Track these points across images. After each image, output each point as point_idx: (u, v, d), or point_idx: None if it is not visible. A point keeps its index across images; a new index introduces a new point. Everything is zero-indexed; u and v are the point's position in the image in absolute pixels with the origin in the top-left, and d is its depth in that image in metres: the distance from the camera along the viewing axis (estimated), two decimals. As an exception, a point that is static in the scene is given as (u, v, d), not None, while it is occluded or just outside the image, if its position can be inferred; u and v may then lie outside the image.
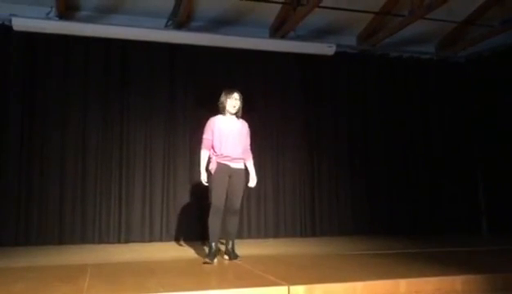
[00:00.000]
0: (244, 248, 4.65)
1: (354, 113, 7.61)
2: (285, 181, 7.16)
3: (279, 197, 7.10)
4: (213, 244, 4.44)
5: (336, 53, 7.26)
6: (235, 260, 4.49)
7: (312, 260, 4.65)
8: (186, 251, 5.42)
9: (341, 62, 7.56)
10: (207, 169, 4.60)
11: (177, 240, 6.43)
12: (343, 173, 7.42)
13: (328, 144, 7.44)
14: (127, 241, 6.37)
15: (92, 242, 6.25)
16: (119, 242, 6.34)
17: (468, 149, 7.97)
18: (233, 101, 4.56)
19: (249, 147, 4.75)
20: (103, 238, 6.31)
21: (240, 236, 6.67)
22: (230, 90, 4.61)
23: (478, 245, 6.01)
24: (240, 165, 4.59)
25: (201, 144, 4.63)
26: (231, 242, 4.62)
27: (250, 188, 4.86)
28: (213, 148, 4.56)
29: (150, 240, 6.46)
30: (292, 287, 3.21)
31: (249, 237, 6.79)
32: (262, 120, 7.08)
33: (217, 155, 4.53)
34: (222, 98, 4.60)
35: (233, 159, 4.52)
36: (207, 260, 4.35)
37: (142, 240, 6.43)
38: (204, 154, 4.59)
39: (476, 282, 3.57)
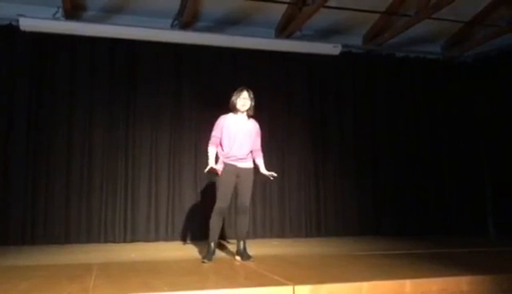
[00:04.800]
0: (249, 248, 4.64)
1: (360, 113, 7.59)
2: (290, 181, 7.15)
3: (284, 197, 7.09)
4: (212, 244, 4.44)
5: (342, 53, 7.27)
6: (247, 261, 4.42)
7: (318, 261, 4.65)
8: (191, 251, 5.43)
9: (347, 62, 7.55)
10: (214, 168, 4.52)
11: (182, 240, 6.45)
12: (348, 173, 7.40)
13: (333, 144, 7.43)
14: (132, 240, 6.39)
15: (98, 241, 6.28)
16: (124, 241, 6.36)
17: (474, 150, 7.93)
18: (242, 100, 4.52)
19: (259, 148, 4.69)
20: (109, 238, 6.34)
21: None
22: (240, 88, 4.58)
23: (485, 246, 5.98)
24: (247, 164, 4.56)
25: (209, 140, 4.60)
26: (242, 243, 4.56)
27: (271, 181, 4.86)
28: (221, 146, 4.55)
29: (156, 239, 6.48)
30: (297, 287, 3.21)
31: (255, 237, 6.78)
32: (267, 120, 7.04)
33: (224, 155, 4.51)
34: (233, 97, 4.57)
35: (240, 159, 4.50)
36: (205, 260, 4.34)
37: (148, 239, 6.45)
38: (212, 150, 4.55)
39: (482, 283, 3.55)
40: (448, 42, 7.97)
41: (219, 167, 4.51)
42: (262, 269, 3.92)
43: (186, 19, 6.70)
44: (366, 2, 6.58)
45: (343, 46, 7.28)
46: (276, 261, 4.50)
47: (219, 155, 4.55)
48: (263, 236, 6.87)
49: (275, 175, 4.63)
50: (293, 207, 7.11)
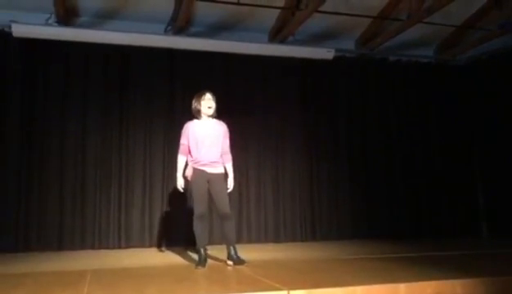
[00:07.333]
0: (244, 253, 4.63)
1: (353, 117, 7.62)
2: (284, 186, 7.16)
3: (279, 201, 7.09)
4: (202, 250, 4.41)
5: (335, 57, 7.30)
6: (240, 265, 4.37)
7: (312, 265, 4.64)
8: (185, 257, 5.41)
9: (340, 66, 7.58)
10: (184, 175, 4.54)
11: (173, 245, 6.42)
12: (342, 177, 7.42)
13: (327, 148, 7.44)
14: (127, 246, 6.36)
15: (92, 247, 6.25)
16: (118, 247, 6.33)
17: (467, 152, 7.97)
18: (207, 102, 4.50)
19: (228, 149, 4.61)
20: (103, 244, 6.31)
21: (239, 241, 6.65)
22: (201, 92, 4.56)
23: (478, 248, 5.99)
24: (217, 169, 4.50)
25: (178, 149, 4.59)
26: (232, 248, 4.52)
27: (235, 192, 4.74)
28: (190, 153, 4.51)
29: (150, 245, 6.46)
30: (292, 292, 3.20)
31: (249, 241, 6.78)
32: (261, 124, 7.10)
33: (193, 161, 4.47)
34: (195, 102, 4.55)
35: (209, 164, 4.44)
36: (199, 267, 4.31)
37: (142, 245, 6.42)
38: (181, 160, 4.54)
39: (476, 286, 3.56)
40: (440, 45, 8.03)
41: (189, 173, 4.49)
42: (256, 274, 3.91)
43: (180, 24, 6.70)
44: (358, 7, 6.62)
45: (337, 50, 7.31)
46: (271, 266, 4.49)
47: (188, 161, 4.52)
48: (258, 240, 6.87)
49: (229, 189, 4.58)
50: (287, 211, 7.11)
